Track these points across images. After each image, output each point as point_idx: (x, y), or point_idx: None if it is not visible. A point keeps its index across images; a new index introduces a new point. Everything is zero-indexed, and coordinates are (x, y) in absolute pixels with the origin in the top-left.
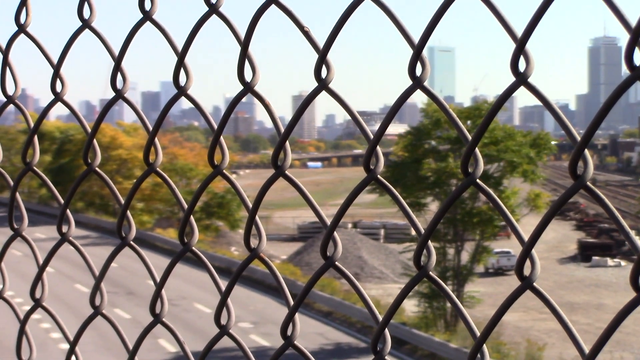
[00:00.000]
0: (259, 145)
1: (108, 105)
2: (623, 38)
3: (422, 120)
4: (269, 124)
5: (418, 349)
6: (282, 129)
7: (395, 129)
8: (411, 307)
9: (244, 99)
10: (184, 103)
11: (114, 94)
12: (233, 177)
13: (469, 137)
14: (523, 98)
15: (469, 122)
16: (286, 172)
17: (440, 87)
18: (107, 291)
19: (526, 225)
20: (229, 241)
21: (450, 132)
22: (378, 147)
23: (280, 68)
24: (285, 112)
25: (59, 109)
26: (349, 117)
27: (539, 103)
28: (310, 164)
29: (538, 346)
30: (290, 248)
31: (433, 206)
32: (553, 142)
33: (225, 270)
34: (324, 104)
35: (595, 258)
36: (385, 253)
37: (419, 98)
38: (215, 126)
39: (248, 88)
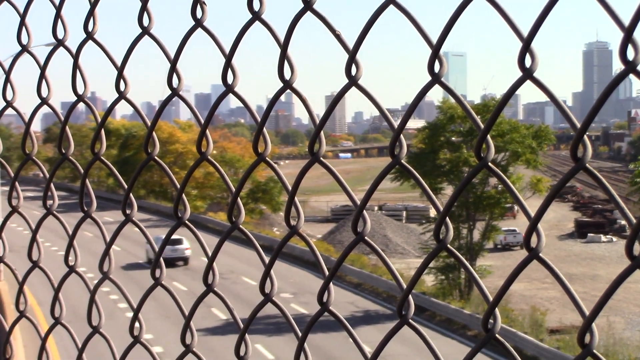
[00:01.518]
0: (297, 139)
1: (165, 102)
2: (613, 42)
3: (438, 116)
4: (305, 120)
5: (436, 315)
6: (317, 121)
7: (415, 123)
8: (430, 279)
9: (283, 98)
10: (232, 102)
11: (170, 92)
12: (279, 169)
13: (482, 125)
14: (526, 95)
15: (478, 117)
16: (321, 158)
17: (454, 87)
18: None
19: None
20: (271, 222)
21: (463, 126)
22: (402, 135)
23: (314, 72)
24: (319, 110)
25: (124, 109)
26: (375, 113)
27: (541, 99)
28: (341, 155)
29: (541, 312)
30: (325, 228)
31: (448, 190)
32: (552, 134)
33: (269, 247)
34: (353, 102)
35: (590, 235)
36: (407, 232)
37: (435, 96)
38: (259, 119)
39: (287, 85)
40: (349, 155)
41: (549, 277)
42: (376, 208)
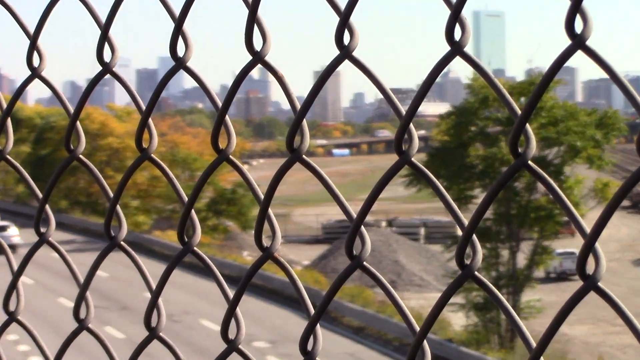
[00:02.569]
0: (274, 130)
1: (94, 80)
2: None
3: (468, 98)
4: (286, 104)
5: None
6: (299, 106)
7: (436, 108)
8: (459, 321)
9: (256, 76)
10: (186, 82)
11: (101, 68)
12: (245, 167)
13: (518, 111)
14: (587, 70)
15: (522, 99)
16: (304, 156)
17: (488, 58)
18: (97, 306)
19: (593, 221)
20: (240, 244)
21: (501, 112)
22: (412, 124)
23: (299, 41)
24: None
25: (39, 90)
26: (380, 96)
27: (605, 75)
28: (335, 151)
29: None
30: (314, 252)
31: (481, 199)
32: (623, 122)
33: (236, 278)
34: (350, 80)
35: None
36: (426, 256)
37: (463, 72)
38: (219, 104)
39: (258, 58)
40: (346, 151)
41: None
42: (384, 223)
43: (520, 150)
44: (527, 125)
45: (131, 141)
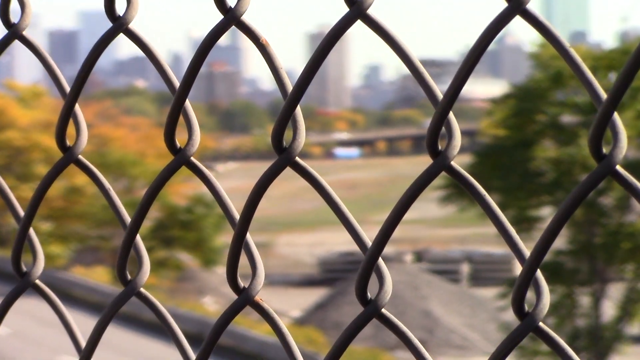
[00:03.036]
0: (250, 121)
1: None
2: None
3: (533, 73)
4: (267, 83)
5: None
6: (290, 87)
7: (488, 88)
8: None
9: (222, 41)
10: (120, 50)
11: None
12: (216, 180)
13: (603, 95)
14: None
15: (611, 75)
16: (297, 159)
17: (566, 16)
18: None
19: None
20: (199, 288)
21: (582, 95)
22: (451, 113)
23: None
24: (295, 64)
25: None
26: (405, 71)
27: None
28: (339, 151)
29: None
30: (307, 298)
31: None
32: None
33: (195, 336)
34: (362, 50)
35: None
36: (470, 304)
37: (526, 35)
38: (177, 84)
39: (232, 17)
40: (354, 152)
41: None
42: (410, 257)
43: (605, 150)
44: (616, 114)
45: (42, 136)
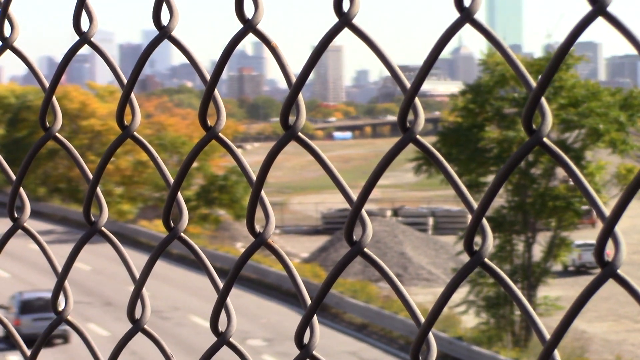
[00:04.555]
0: (270, 111)
1: (71, 51)
2: None
3: (482, 75)
4: (283, 83)
5: None
6: (294, 79)
7: (447, 87)
8: (470, 318)
9: (250, 52)
10: (174, 58)
11: (78, 38)
12: (239, 151)
13: (533, 84)
14: (610, 46)
15: (539, 77)
16: (299, 133)
17: (504, 32)
18: (79, 301)
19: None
20: (233, 235)
21: (518, 92)
22: (417, 98)
23: (296, 12)
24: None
25: (14, 67)
26: (386, 73)
27: (630, 52)
28: (337, 134)
29: None
30: (313, 243)
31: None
32: None
33: (229, 272)
34: (353, 57)
35: None
36: (434, 248)
37: (476, 46)
38: (208, 77)
39: (249, 26)
40: (348, 134)
41: None
42: (389, 213)
43: (534, 126)
44: (543, 99)
45: (115, 123)
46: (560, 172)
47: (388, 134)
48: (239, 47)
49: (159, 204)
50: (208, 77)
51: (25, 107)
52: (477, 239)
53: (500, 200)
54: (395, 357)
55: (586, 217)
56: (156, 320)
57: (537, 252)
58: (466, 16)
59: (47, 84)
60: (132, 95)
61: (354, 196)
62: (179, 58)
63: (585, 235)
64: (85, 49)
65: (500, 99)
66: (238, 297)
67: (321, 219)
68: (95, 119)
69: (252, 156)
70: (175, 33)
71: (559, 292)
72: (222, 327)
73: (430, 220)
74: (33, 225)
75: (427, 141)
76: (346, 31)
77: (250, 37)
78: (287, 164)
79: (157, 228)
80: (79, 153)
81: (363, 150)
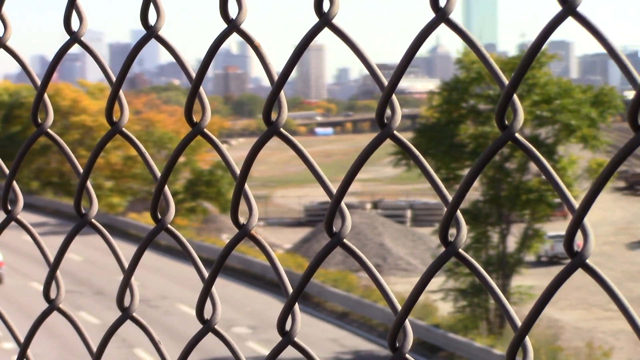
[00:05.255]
0: (255, 108)
1: (62, 50)
2: None
3: (459, 73)
4: (267, 81)
5: (455, 356)
6: (276, 77)
7: (425, 85)
8: (446, 307)
9: (235, 51)
10: (162, 56)
11: (68, 37)
12: (224, 146)
13: (506, 81)
14: (582, 45)
15: (512, 75)
16: (281, 129)
17: (479, 32)
18: (71, 290)
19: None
20: (219, 227)
21: (493, 89)
22: (394, 96)
23: (280, 13)
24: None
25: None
26: (366, 72)
27: (601, 51)
28: (318, 130)
29: (603, 351)
30: (296, 235)
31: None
32: (620, 99)
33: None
34: (334, 56)
35: None
36: (412, 239)
37: (453, 46)
38: (193, 74)
39: (233, 26)
40: (329, 130)
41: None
42: (369, 205)
43: (507, 122)
44: (515, 96)
45: (105, 119)
46: (533, 166)
47: (368, 130)
48: (225, 46)
49: (147, 197)
50: (194, 75)
51: (18, 104)
52: (453, 231)
53: (476, 193)
54: (374, 344)
55: (558, 210)
56: (145, 308)
57: (511, 243)
58: (441, 16)
59: (39, 82)
60: (121, 93)
61: (334, 189)
62: (166, 57)
63: (558, 227)
64: (76, 48)
65: (475, 96)
66: (224, 287)
67: (304, 212)
68: (87, 115)
69: (237, 151)
70: (162, 32)
71: (532, 281)
72: (207, 315)
73: (409, 213)
74: (26, 217)
75: (406, 137)
76: (327, 30)
77: (235, 37)
78: (271, 159)
79: (146, 220)
80: (71, 148)
81: (344, 145)
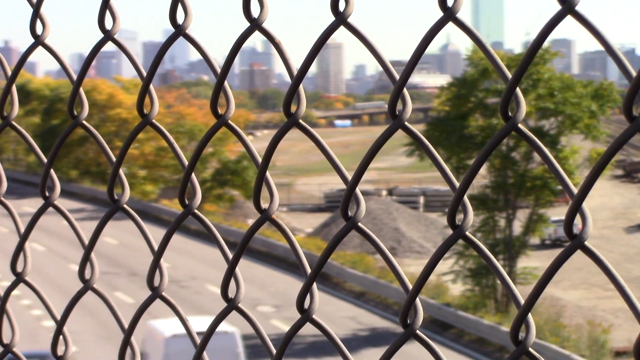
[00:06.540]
0: (278, 102)
1: (96, 48)
2: None
3: (468, 69)
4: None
5: (465, 333)
6: (295, 71)
7: (436, 80)
8: (457, 287)
9: (259, 49)
10: (192, 54)
11: (102, 36)
12: (249, 138)
13: (509, 75)
14: (583, 43)
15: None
16: (300, 120)
17: (487, 32)
18: (107, 272)
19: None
20: (245, 213)
21: (500, 84)
22: (405, 89)
23: (299, 14)
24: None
25: (48, 63)
26: (381, 68)
27: (600, 48)
28: (337, 122)
29: (603, 328)
30: (316, 219)
31: (481, 169)
32: (618, 93)
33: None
34: (352, 53)
35: None
36: (425, 224)
37: (463, 44)
38: (218, 69)
39: (255, 25)
40: (347, 122)
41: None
42: (384, 192)
43: (510, 114)
44: (518, 89)
45: None
46: (537, 156)
47: (384, 122)
48: (250, 44)
49: (178, 185)
50: (218, 69)
51: (58, 99)
52: (461, 216)
53: (484, 180)
54: (390, 321)
55: (561, 196)
56: (176, 288)
57: (517, 227)
58: (449, 15)
59: (75, 77)
60: (151, 87)
61: (347, 174)
62: (196, 54)
63: (561, 212)
64: (111, 47)
65: (484, 90)
66: (249, 268)
67: (324, 198)
68: (122, 108)
69: (262, 142)
70: (190, 31)
71: (536, 263)
72: (231, 294)
73: (422, 199)
74: (65, 204)
75: (418, 129)
76: (343, 29)
77: (259, 36)
78: (293, 149)
79: (177, 206)
80: (107, 140)
81: (361, 136)
